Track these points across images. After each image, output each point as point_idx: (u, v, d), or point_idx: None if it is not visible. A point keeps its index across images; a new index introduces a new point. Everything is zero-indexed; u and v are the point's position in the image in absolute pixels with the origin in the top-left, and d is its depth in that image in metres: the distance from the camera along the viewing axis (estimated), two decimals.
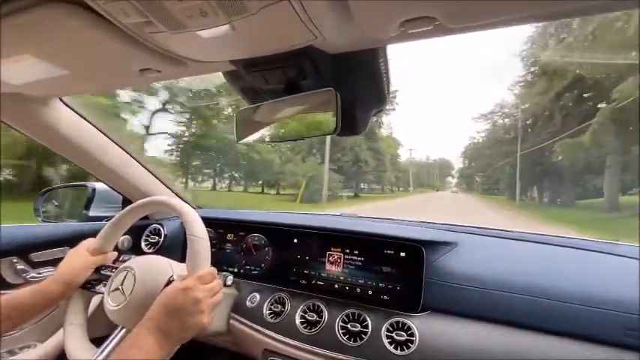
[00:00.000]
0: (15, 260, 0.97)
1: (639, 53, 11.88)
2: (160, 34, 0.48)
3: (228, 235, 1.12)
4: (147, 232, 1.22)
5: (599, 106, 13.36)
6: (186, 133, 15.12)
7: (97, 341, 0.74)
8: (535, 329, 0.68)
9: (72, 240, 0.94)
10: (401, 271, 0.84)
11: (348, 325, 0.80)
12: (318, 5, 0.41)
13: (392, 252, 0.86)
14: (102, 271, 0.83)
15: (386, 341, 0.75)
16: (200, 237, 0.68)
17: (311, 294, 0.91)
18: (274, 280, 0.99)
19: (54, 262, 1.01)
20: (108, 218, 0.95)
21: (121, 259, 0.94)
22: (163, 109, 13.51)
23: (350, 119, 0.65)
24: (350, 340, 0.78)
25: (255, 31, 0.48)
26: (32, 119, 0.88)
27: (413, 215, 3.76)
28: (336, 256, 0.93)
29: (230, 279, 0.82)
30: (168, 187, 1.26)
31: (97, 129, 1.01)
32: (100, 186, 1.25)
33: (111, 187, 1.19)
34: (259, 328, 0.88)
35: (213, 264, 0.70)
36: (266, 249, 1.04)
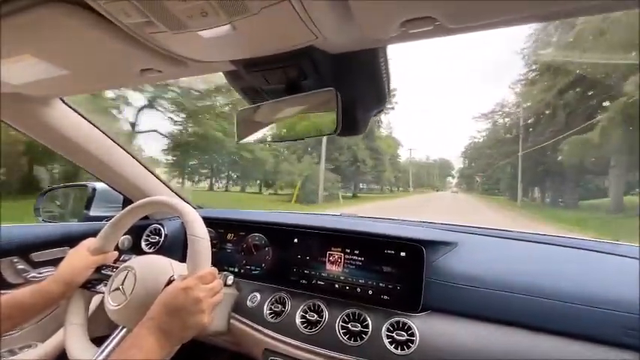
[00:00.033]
0: (15, 260, 0.97)
1: (639, 53, 11.79)
2: (161, 34, 0.48)
3: (229, 234, 1.12)
4: (147, 231, 1.22)
5: (605, 104, 13.06)
6: (175, 131, 14.89)
7: (98, 341, 0.74)
8: (535, 329, 0.68)
9: (72, 240, 0.94)
10: (401, 270, 0.84)
11: (349, 325, 0.80)
12: (318, 5, 0.41)
13: (392, 252, 0.86)
14: (102, 271, 0.83)
15: (386, 341, 0.75)
16: (201, 237, 0.68)
17: (311, 294, 0.91)
18: (275, 279, 0.99)
19: (54, 262, 1.01)
20: (108, 218, 0.95)
21: (121, 258, 0.94)
22: (150, 106, 13.26)
23: (350, 119, 0.66)
24: (350, 340, 0.78)
25: (256, 31, 0.48)
26: (32, 119, 0.88)
27: (413, 215, 3.77)
28: (336, 256, 0.93)
29: (230, 279, 0.82)
30: (168, 187, 1.27)
31: (98, 129, 1.01)
32: (100, 186, 1.26)
33: (111, 187, 1.19)
34: (260, 327, 0.88)
35: (213, 264, 0.70)
36: (266, 249, 1.04)
